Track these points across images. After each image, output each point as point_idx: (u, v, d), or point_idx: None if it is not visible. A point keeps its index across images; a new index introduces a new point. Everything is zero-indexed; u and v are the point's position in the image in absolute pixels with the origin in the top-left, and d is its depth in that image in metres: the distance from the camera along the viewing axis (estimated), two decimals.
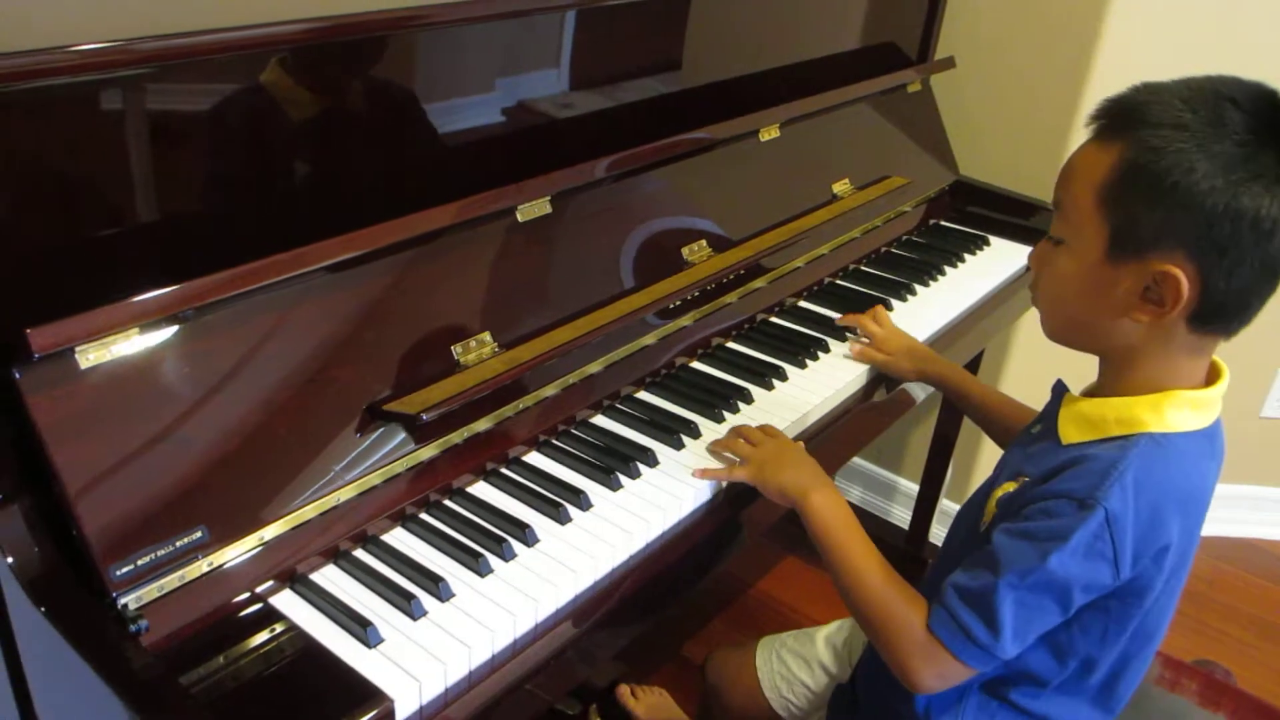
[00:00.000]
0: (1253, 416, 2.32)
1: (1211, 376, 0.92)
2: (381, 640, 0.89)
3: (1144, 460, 0.88)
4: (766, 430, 1.16)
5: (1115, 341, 0.91)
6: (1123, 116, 0.86)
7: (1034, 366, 2.03)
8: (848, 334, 1.44)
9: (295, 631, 0.89)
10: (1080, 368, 0.99)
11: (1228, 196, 0.80)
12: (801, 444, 1.19)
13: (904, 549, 2.19)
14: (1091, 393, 0.97)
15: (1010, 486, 0.96)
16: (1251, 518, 2.41)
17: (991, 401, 1.30)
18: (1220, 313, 0.86)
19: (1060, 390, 1.00)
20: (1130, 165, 0.84)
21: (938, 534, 2.17)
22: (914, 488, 2.19)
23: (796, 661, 1.30)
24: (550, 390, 1.18)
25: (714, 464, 1.15)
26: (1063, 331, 0.96)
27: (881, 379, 1.40)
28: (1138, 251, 0.85)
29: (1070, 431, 0.94)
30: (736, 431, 1.17)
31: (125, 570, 0.84)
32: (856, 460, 2.34)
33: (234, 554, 0.91)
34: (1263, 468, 2.36)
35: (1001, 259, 1.76)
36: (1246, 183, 0.80)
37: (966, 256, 1.75)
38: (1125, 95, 0.88)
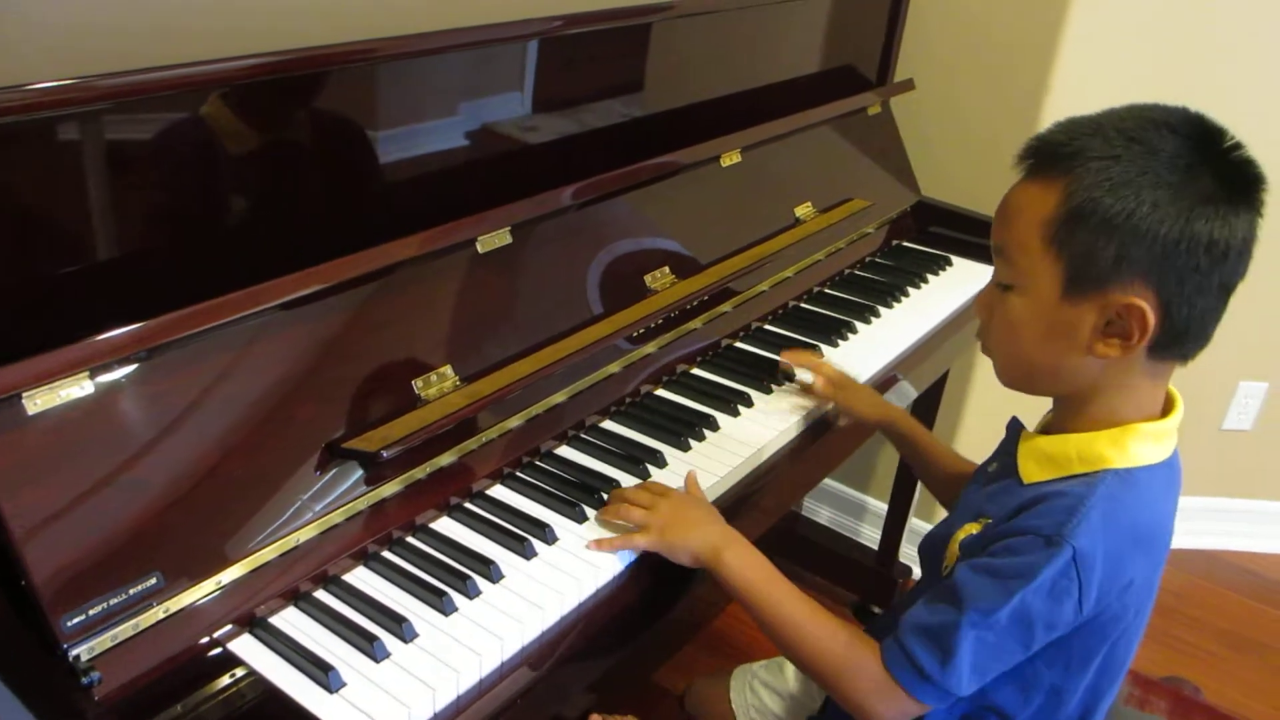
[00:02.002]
0: (1214, 429, 2.34)
1: (1167, 406, 0.92)
2: (344, 684, 0.87)
3: (1111, 497, 0.87)
4: (652, 489, 1.08)
5: (1079, 379, 0.90)
6: (1056, 154, 0.85)
7: (998, 389, 2.03)
8: (787, 378, 1.39)
9: (255, 677, 0.87)
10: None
11: (1181, 224, 0.80)
12: (701, 495, 1.12)
13: (874, 568, 2.19)
14: (1048, 428, 0.96)
15: (973, 528, 0.95)
16: (1214, 529, 2.44)
17: (937, 450, 1.27)
18: (1181, 338, 0.86)
19: (1016, 427, 0.98)
20: (1077, 201, 0.83)
21: (907, 553, 2.17)
22: (883, 507, 2.20)
23: (768, 693, 1.29)
24: (514, 422, 1.17)
25: (606, 537, 1.06)
26: (1023, 378, 0.94)
27: None
28: (1096, 287, 0.84)
29: (1031, 470, 0.92)
30: (619, 496, 1.09)
31: (77, 620, 0.82)
32: (826, 480, 2.34)
33: (190, 599, 0.89)
34: (1225, 480, 2.39)
35: (964, 279, 1.78)
36: (1197, 208, 0.81)
37: (929, 277, 1.76)
38: (1054, 133, 0.87)
